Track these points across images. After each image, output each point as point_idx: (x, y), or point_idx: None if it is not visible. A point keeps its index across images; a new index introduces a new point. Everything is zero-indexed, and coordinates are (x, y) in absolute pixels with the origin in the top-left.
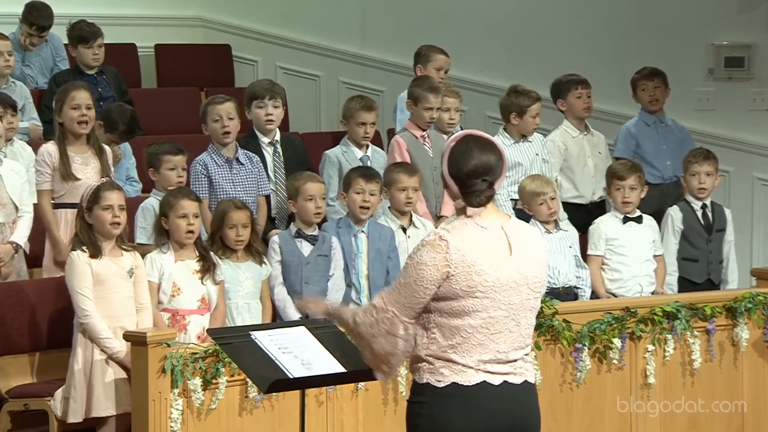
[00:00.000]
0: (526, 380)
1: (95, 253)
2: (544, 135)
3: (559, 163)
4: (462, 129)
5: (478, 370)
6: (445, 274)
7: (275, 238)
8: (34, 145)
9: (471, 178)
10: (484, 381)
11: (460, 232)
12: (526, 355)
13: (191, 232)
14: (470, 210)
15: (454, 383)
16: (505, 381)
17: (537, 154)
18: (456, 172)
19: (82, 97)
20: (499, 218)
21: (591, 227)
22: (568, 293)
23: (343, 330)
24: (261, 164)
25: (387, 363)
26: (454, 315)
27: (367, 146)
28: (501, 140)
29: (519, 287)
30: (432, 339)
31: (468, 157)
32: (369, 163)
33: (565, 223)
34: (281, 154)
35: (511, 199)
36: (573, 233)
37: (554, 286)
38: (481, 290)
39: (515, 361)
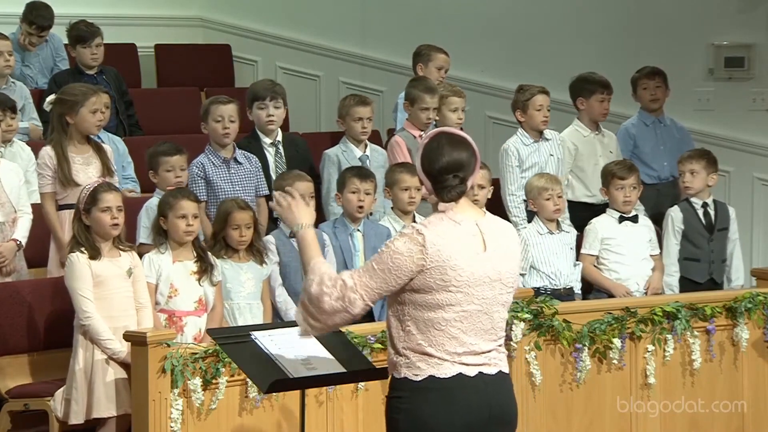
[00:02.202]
0: (500, 370)
1: (94, 254)
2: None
3: (569, 163)
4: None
5: (454, 362)
6: (420, 267)
7: (270, 239)
8: (34, 145)
9: (442, 174)
10: (460, 373)
11: (437, 227)
12: (499, 346)
13: (190, 232)
14: (442, 205)
15: (430, 376)
16: (480, 372)
17: (552, 155)
18: (428, 168)
19: (104, 100)
20: (474, 214)
21: (587, 227)
22: (569, 294)
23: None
24: (259, 164)
25: (319, 330)
26: (428, 308)
27: (366, 145)
28: (520, 140)
29: (492, 282)
30: (407, 332)
31: (439, 153)
32: (368, 162)
33: (567, 225)
34: (283, 154)
35: (524, 200)
36: (573, 234)
37: (556, 287)
38: (455, 285)
39: (489, 352)
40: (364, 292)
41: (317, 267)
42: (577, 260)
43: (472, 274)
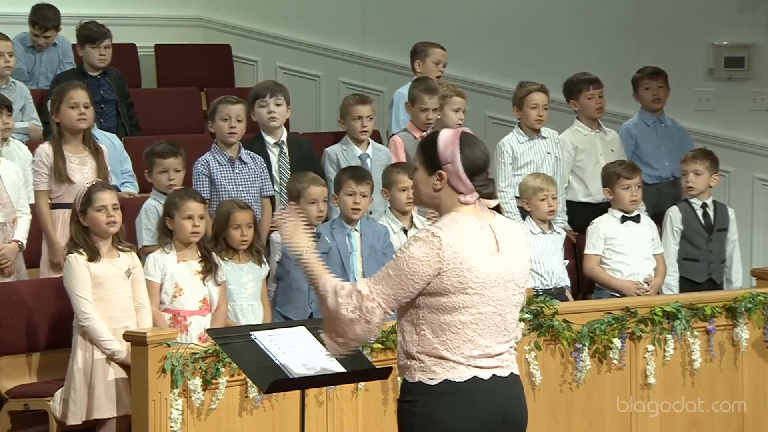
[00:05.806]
0: (512, 372)
1: (93, 256)
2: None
3: (569, 163)
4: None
5: (469, 365)
6: (436, 271)
7: (278, 239)
8: (34, 146)
9: (480, 173)
10: (475, 376)
11: (451, 229)
12: (510, 347)
13: (196, 233)
14: (491, 202)
15: (446, 380)
16: (493, 375)
17: (549, 153)
18: (473, 167)
19: (79, 95)
20: (486, 215)
21: (589, 227)
22: (561, 293)
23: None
24: (264, 165)
25: (346, 346)
26: (443, 311)
27: (369, 143)
28: (515, 137)
29: (506, 283)
30: (422, 336)
31: (478, 151)
32: (369, 161)
33: (558, 226)
34: (287, 154)
35: (516, 197)
36: (563, 235)
37: (547, 287)
38: (471, 287)
39: (501, 354)
40: (381, 299)
41: (329, 283)
42: (579, 260)
43: (488, 275)
